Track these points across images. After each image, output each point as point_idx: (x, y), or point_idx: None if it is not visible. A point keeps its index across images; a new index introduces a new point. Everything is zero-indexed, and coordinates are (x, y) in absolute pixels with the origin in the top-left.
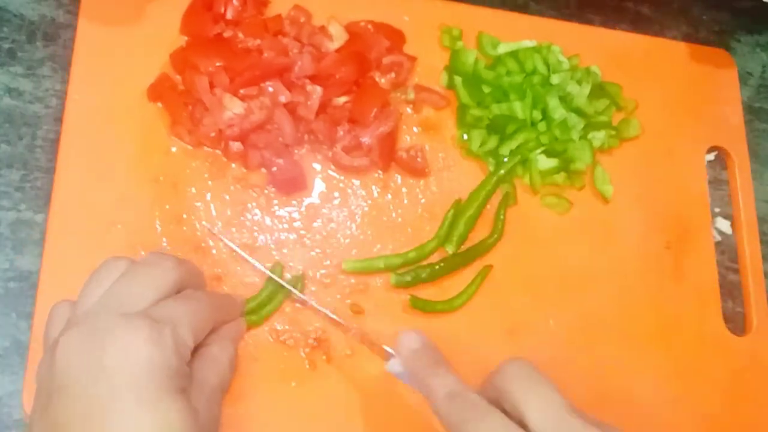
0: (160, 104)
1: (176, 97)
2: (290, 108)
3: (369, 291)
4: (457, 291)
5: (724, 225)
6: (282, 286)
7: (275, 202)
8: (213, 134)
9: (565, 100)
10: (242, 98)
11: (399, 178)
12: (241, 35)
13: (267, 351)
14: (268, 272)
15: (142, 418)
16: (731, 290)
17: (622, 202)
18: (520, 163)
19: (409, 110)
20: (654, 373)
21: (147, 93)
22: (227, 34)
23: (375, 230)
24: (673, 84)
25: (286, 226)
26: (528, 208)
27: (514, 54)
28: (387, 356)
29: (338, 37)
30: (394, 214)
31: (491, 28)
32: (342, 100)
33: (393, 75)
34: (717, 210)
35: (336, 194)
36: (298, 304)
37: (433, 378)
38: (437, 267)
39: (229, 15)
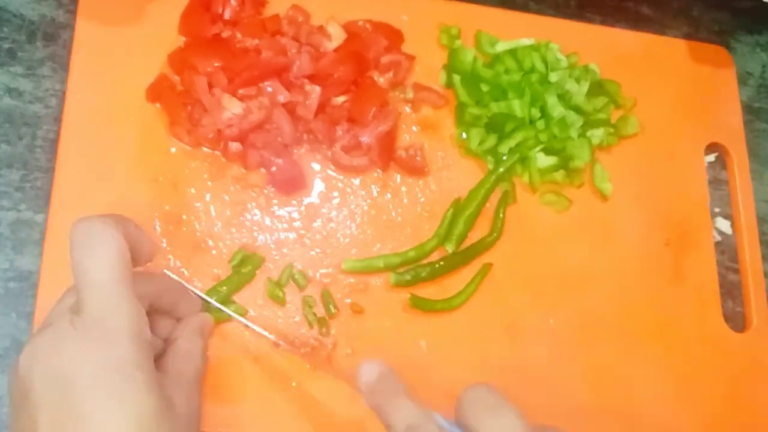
0: (158, 105)
1: (175, 97)
2: (289, 108)
3: (369, 290)
4: (457, 290)
5: (724, 225)
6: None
7: (275, 202)
8: (212, 134)
9: (563, 98)
10: (241, 98)
11: (398, 178)
12: (239, 35)
13: (267, 351)
14: (203, 296)
15: (114, 415)
16: (731, 290)
17: (621, 200)
18: (519, 162)
19: (407, 109)
20: (653, 371)
21: (146, 93)
22: (225, 34)
23: (374, 229)
24: (672, 81)
25: (285, 225)
26: (527, 207)
27: (512, 52)
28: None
29: (336, 36)
30: (393, 214)
31: (490, 27)
32: (341, 99)
33: (391, 74)
34: (717, 210)
35: (335, 194)
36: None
37: (391, 411)
38: (437, 266)
39: (227, 15)
